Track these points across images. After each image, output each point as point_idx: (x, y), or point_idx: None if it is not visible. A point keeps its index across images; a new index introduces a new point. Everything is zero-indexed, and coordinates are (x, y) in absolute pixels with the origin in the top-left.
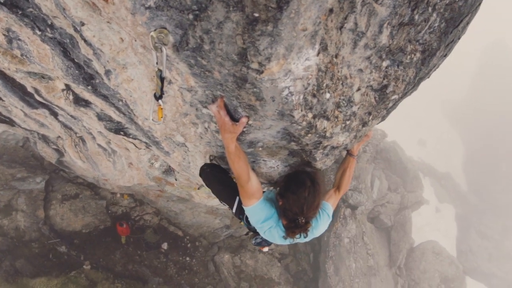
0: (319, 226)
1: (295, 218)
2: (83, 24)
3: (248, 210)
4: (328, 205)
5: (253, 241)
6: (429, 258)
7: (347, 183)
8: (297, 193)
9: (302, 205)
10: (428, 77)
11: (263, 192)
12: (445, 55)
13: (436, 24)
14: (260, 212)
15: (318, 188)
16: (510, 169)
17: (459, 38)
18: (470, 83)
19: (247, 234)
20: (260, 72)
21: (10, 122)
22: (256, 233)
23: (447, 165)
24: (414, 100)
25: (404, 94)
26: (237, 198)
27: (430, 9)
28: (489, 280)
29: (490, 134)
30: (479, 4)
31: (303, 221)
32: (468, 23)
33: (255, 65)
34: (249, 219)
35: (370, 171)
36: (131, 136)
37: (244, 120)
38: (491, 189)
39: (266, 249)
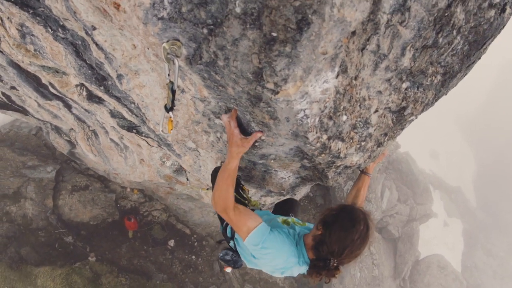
0: None
1: (327, 258)
2: (94, 29)
3: (252, 241)
4: None
5: (221, 255)
6: (433, 272)
7: (361, 202)
8: (347, 230)
9: (345, 247)
10: (446, 94)
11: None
12: (465, 75)
13: (459, 47)
14: (275, 243)
15: (369, 236)
16: None
17: (479, 58)
18: (486, 98)
19: (220, 242)
20: (275, 92)
21: (23, 112)
22: (230, 246)
23: (458, 179)
24: (428, 111)
25: (421, 112)
26: None
27: (455, 32)
28: None
29: (502, 151)
30: (503, 27)
31: (335, 264)
32: (489, 44)
33: (270, 85)
34: (257, 255)
35: (381, 181)
36: (143, 134)
37: (256, 135)
38: (500, 206)
39: (229, 269)
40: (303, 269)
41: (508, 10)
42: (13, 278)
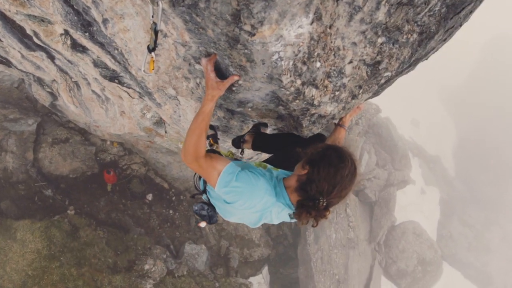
0: None
1: (316, 198)
2: None
3: (222, 183)
4: None
5: (196, 208)
6: (409, 238)
7: None
8: (336, 166)
9: (335, 184)
10: (427, 59)
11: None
12: (445, 40)
13: (437, 8)
14: (247, 179)
15: (357, 174)
16: (498, 163)
17: (460, 25)
18: (470, 72)
19: (193, 196)
20: (252, 34)
21: (7, 63)
22: (204, 200)
23: (437, 149)
24: (412, 80)
25: (399, 73)
26: None
27: None
28: (466, 269)
29: (483, 126)
30: None
31: (324, 204)
32: (471, 11)
33: (247, 27)
34: (229, 198)
35: (360, 144)
36: (125, 85)
37: (233, 78)
38: (478, 179)
39: (203, 224)
40: (285, 213)
41: None
42: None
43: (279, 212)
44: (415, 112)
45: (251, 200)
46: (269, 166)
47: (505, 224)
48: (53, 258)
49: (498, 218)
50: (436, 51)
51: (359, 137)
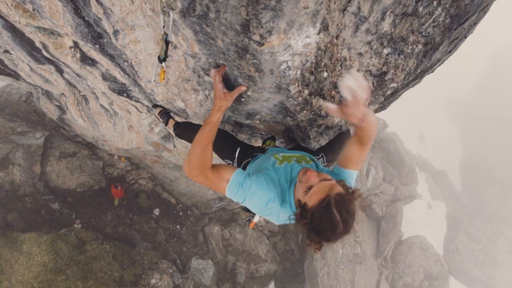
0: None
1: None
2: None
3: (230, 193)
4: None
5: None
6: (415, 253)
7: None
8: (326, 231)
9: (326, 239)
10: (432, 72)
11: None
12: (450, 52)
13: (441, 19)
14: (257, 190)
15: (349, 230)
16: (505, 176)
17: (465, 37)
18: (476, 85)
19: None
20: (260, 44)
21: (15, 76)
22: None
23: (444, 163)
24: (419, 94)
25: (406, 85)
26: (238, 149)
27: (435, 3)
28: (472, 283)
29: (490, 138)
30: (487, 6)
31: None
32: (475, 23)
33: (256, 37)
34: (244, 203)
35: (367, 159)
36: (133, 98)
37: (240, 88)
38: (485, 192)
39: (257, 218)
40: (286, 215)
41: None
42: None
43: (284, 217)
44: (422, 127)
45: (257, 206)
46: (292, 158)
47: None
48: (59, 271)
49: (504, 230)
50: (441, 63)
51: None
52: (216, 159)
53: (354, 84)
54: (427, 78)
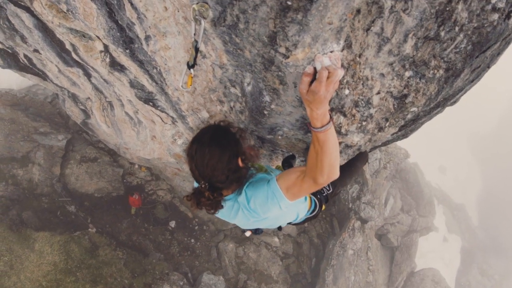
0: (254, 197)
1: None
2: None
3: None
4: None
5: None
6: (427, 286)
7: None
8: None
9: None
10: (455, 102)
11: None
12: (472, 81)
13: (463, 46)
14: None
15: (204, 147)
16: None
17: (488, 67)
18: (499, 120)
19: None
20: (286, 56)
21: (43, 76)
22: None
23: (462, 197)
24: (442, 127)
25: (428, 113)
26: None
27: (457, 28)
28: None
29: (509, 175)
30: (509, 35)
31: (204, 186)
32: (499, 53)
33: (282, 50)
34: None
35: (386, 188)
36: (159, 108)
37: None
38: (501, 229)
39: (248, 233)
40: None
41: None
42: (12, 240)
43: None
44: (443, 159)
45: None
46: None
47: None
48: (69, 273)
49: None
50: (464, 92)
51: (386, 181)
52: None
53: (328, 64)
54: (450, 111)
